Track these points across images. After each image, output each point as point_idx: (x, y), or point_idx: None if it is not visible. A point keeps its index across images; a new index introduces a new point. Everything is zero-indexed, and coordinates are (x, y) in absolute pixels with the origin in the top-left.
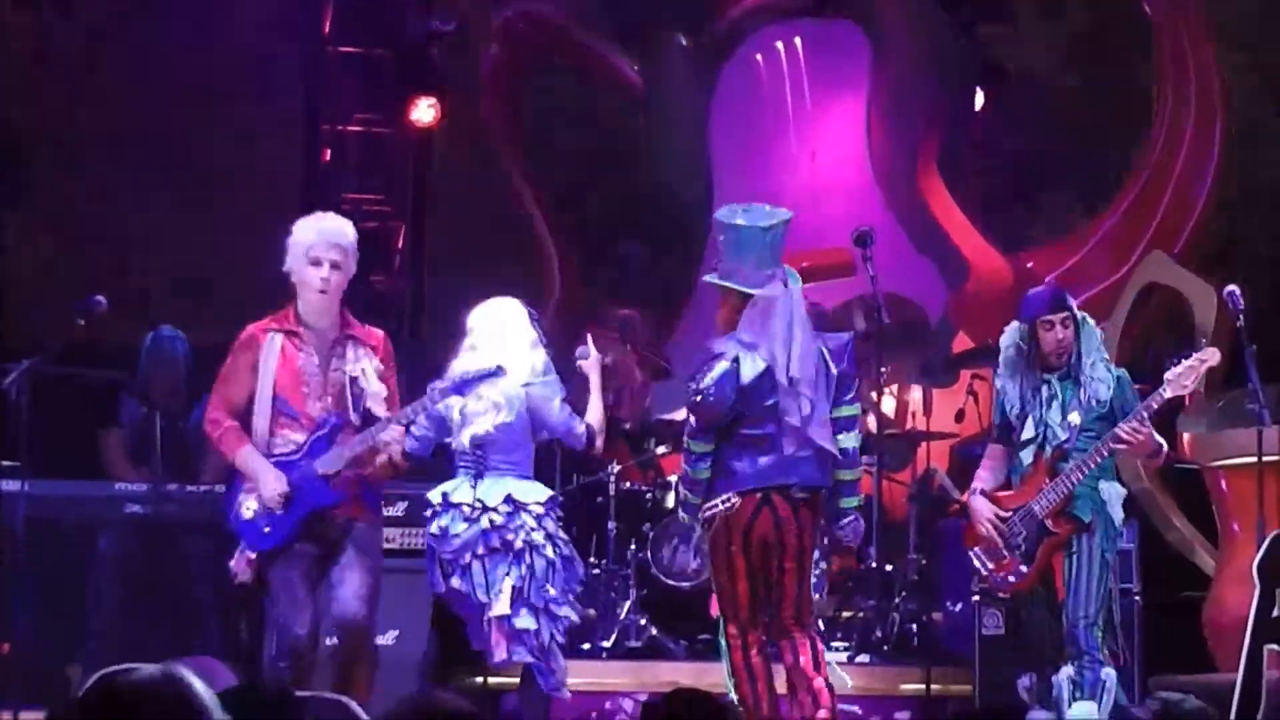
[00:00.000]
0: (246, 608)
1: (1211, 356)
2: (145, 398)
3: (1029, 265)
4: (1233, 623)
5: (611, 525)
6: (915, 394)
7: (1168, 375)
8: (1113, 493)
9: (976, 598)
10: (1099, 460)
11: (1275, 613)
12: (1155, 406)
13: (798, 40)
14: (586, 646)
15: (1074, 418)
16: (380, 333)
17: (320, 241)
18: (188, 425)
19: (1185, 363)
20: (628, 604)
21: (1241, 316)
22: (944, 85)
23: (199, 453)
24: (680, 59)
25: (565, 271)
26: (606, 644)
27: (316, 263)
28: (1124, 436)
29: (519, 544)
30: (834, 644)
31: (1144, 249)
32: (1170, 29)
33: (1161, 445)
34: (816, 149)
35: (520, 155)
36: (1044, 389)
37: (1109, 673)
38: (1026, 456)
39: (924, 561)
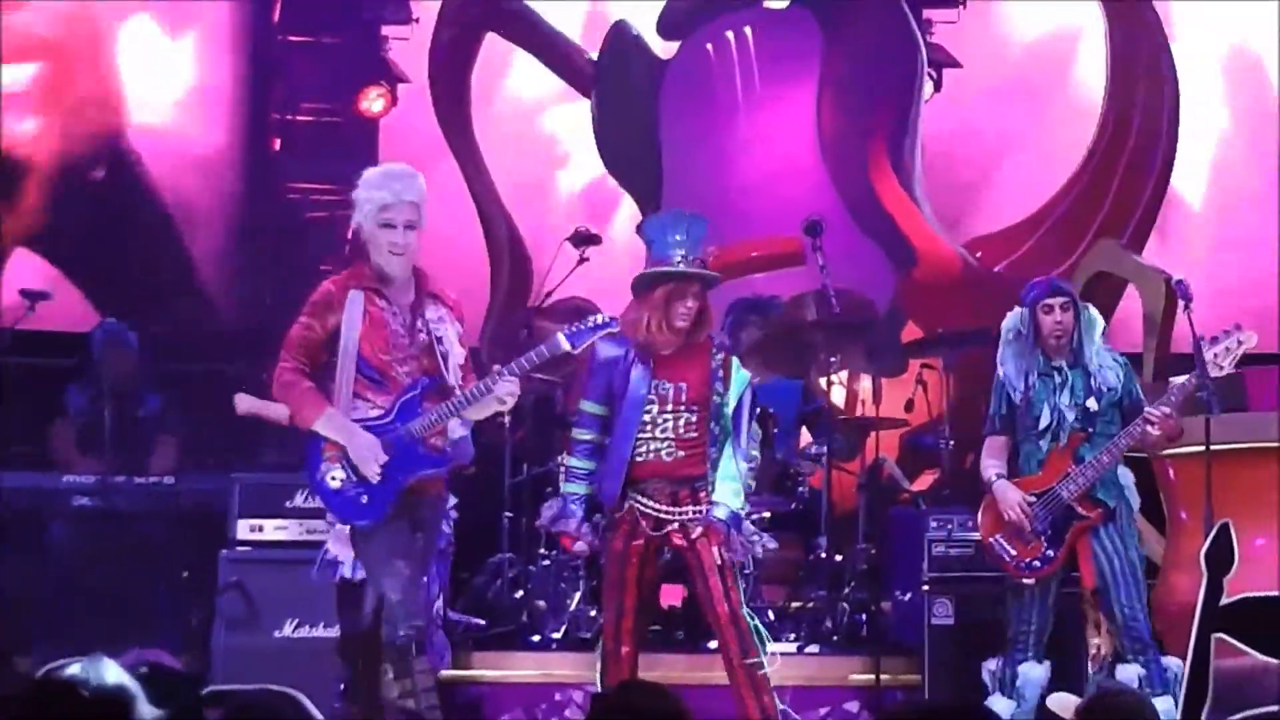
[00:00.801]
0: (197, 598)
1: (1249, 339)
2: (95, 388)
3: (978, 254)
4: (1180, 610)
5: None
6: (864, 383)
7: (1204, 355)
8: (1129, 478)
9: (926, 587)
10: (1127, 443)
11: (1223, 602)
12: (1190, 389)
13: (748, 29)
14: (536, 638)
15: (1091, 404)
16: (454, 295)
17: (395, 202)
18: (138, 415)
19: (1222, 343)
20: (577, 595)
21: (1189, 304)
22: (894, 73)
23: (149, 443)
24: (631, 47)
25: (516, 262)
26: (556, 635)
27: (389, 225)
28: (1154, 419)
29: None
30: (783, 635)
31: (1092, 236)
32: (1116, 7)
33: (1182, 429)
34: (767, 136)
35: (471, 144)
36: (1055, 375)
37: (1173, 661)
38: (1045, 444)
39: (873, 551)
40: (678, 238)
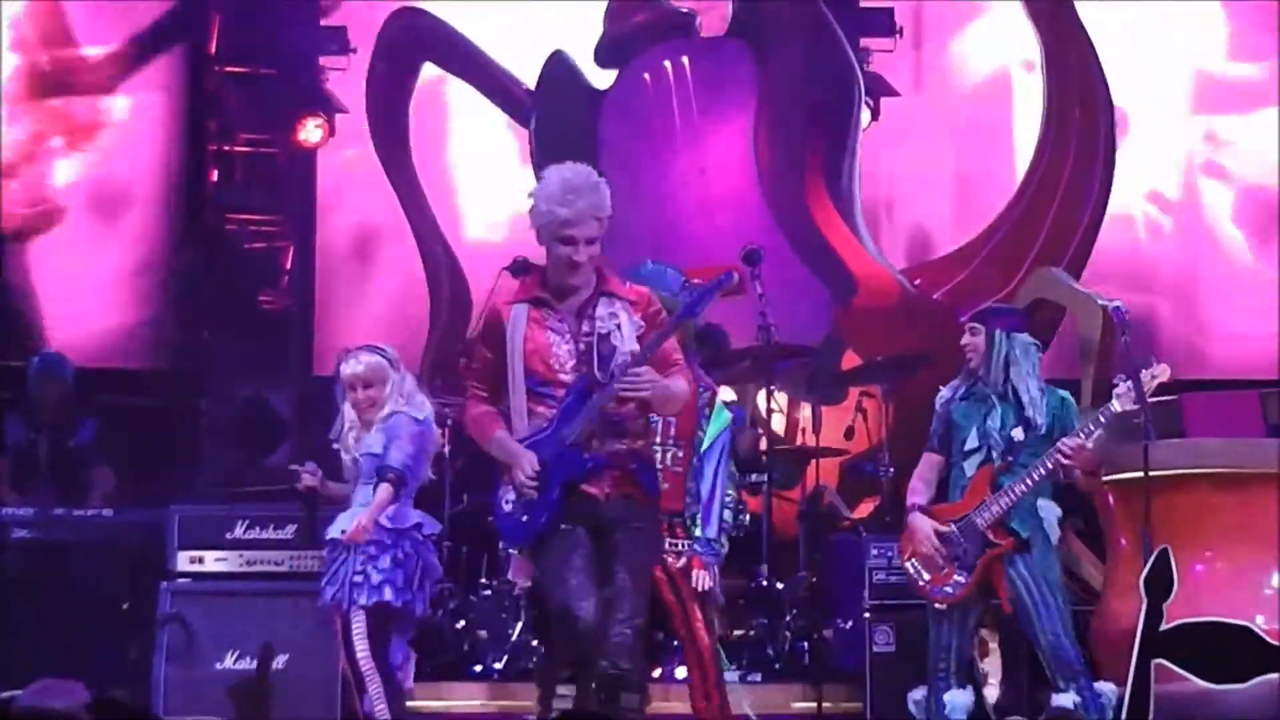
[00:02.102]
0: (135, 630)
1: (1162, 373)
2: (31, 420)
3: (917, 281)
4: (1120, 635)
5: (502, 546)
6: (804, 411)
7: (1116, 391)
8: (1050, 512)
9: (867, 614)
10: (1041, 475)
11: (1163, 627)
12: (1103, 421)
13: (685, 59)
14: (479, 668)
15: (1017, 433)
16: (645, 290)
17: (576, 219)
18: (72, 445)
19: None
20: (519, 625)
21: (1126, 331)
22: (832, 102)
23: (85, 474)
24: (568, 76)
25: (455, 291)
26: (498, 666)
27: (569, 241)
28: (1065, 451)
29: None
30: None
31: (1031, 263)
32: (1053, 38)
33: (1099, 460)
34: (705, 165)
35: (410, 174)
36: (986, 401)
37: (1107, 686)
38: (969, 467)
39: (814, 579)
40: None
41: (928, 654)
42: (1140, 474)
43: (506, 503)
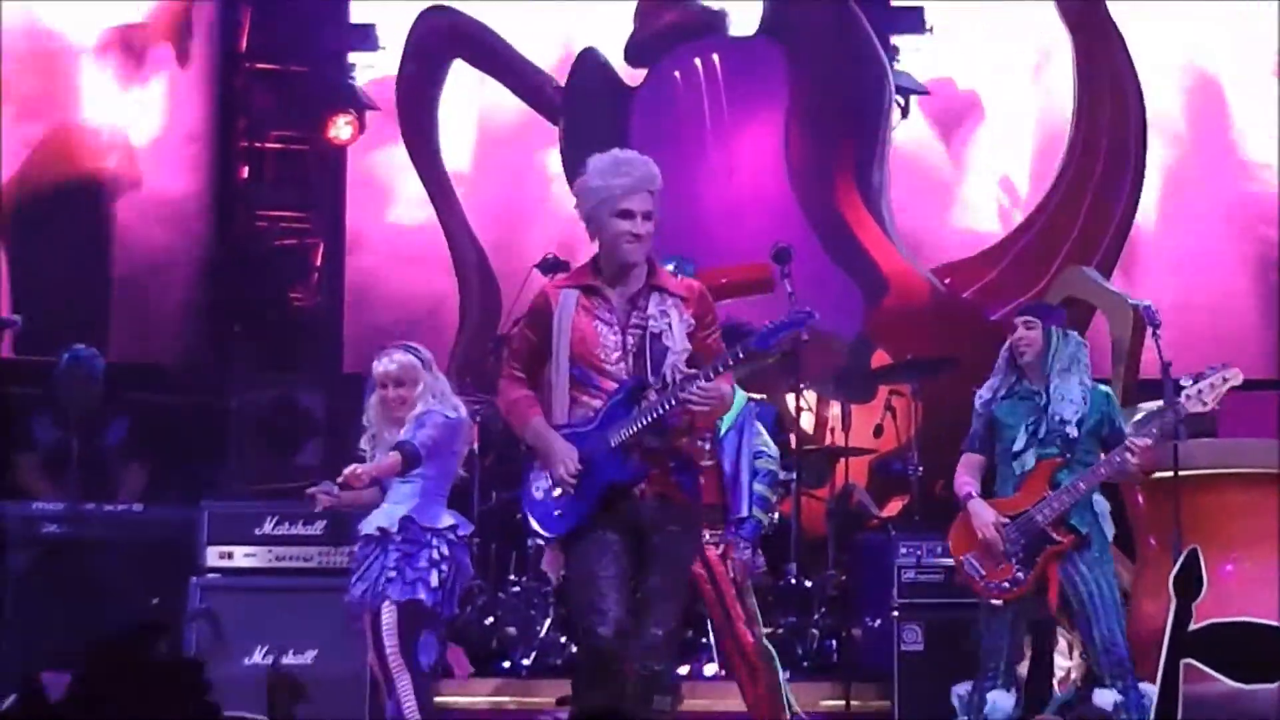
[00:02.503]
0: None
1: (1235, 376)
2: (62, 417)
3: (946, 281)
4: (1149, 635)
5: (531, 542)
6: (834, 410)
7: (1187, 391)
8: (1104, 506)
9: (896, 613)
10: (1105, 471)
11: (1192, 627)
12: (1170, 420)
13: (715, 57)
14: (506, 665)
15: (1070, 430)
16: (697, 284)
17: (635, 191)
18: (105, 443)
19: (1206, 379)
20: (547, 622)
21: (1157, 330)
22: (862, 100)
23: (116, 471)
24: (599, 74)
25: (485, 289)
26: (526, 662)
27: (627, 214)
28: (1136, 449)
29: None
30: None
31: (1061, 262)
32: (1084, 33)
33: (1159, 458)
34: (735, 164)
35: (439, 171)
36: (1033, 399)
37: (1149, 688)
38: (1019, 467)
39: (843, 577)
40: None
41: (977, 650)
42: (1170, 473)
43: (539, 490)
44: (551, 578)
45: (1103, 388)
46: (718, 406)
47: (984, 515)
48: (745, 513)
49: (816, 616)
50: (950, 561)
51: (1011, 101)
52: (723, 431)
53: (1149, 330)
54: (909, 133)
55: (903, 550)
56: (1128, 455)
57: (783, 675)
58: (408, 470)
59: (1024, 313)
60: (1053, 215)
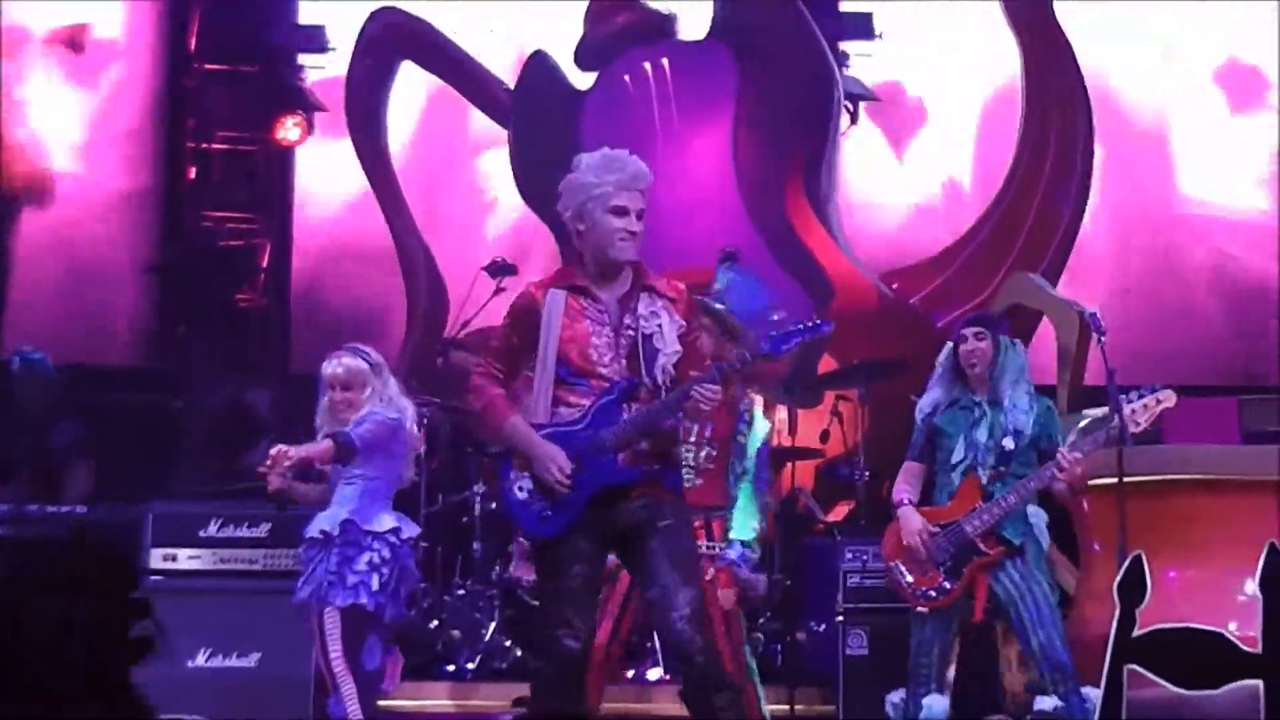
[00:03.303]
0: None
1: (1168, 399)
2: (10, 419)
3: (894, 286)
4: (1093, 641)
5: (477, 546)
6: (780, 414)
7: (1132, 406)
8: (1040, 518)
9: (841, 617)
10: (1035, 486)
11: (1136, 633)
12: (1101, 441)
13: (665, 61)
14: (452, 668)
15: (1007, 442)
16: (682, 285)
17: (626, 184)
18: (55, 446)
19: (1140, 400)
20: (492, 625)
21: (1102, 337)
22: (811, 105)
23: (65, 473)
24: (548, 77)
25: (433, 292)
26: (471, 666)
27: (620, 211)
28: (1064, 466)
29: None
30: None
31: (1008, 269)
32: (1031, 39)
33: (1086, 478)
34: (684, 168)
35: (388, 173)
36: (974, 410)
37: (1093, 691)
38: (956, 477)
39: (788, 582)
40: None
41: (908, 657)
42: (1115, 479)
43: (521, 490)
44: (524, 580)
45: (1044, 399)
46: (714, 409)
47: (912, 523)
48: (743, 534)
49: (761, 621)
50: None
51: (959, 107)
52: (754, 449)
53: (1094, 337)
54: (858, 138)
55: (848, 555)
56: (1056, 472)
57: (760, 690)
58: (343, 460)
59: (972, 323)
60: (1000, 221)
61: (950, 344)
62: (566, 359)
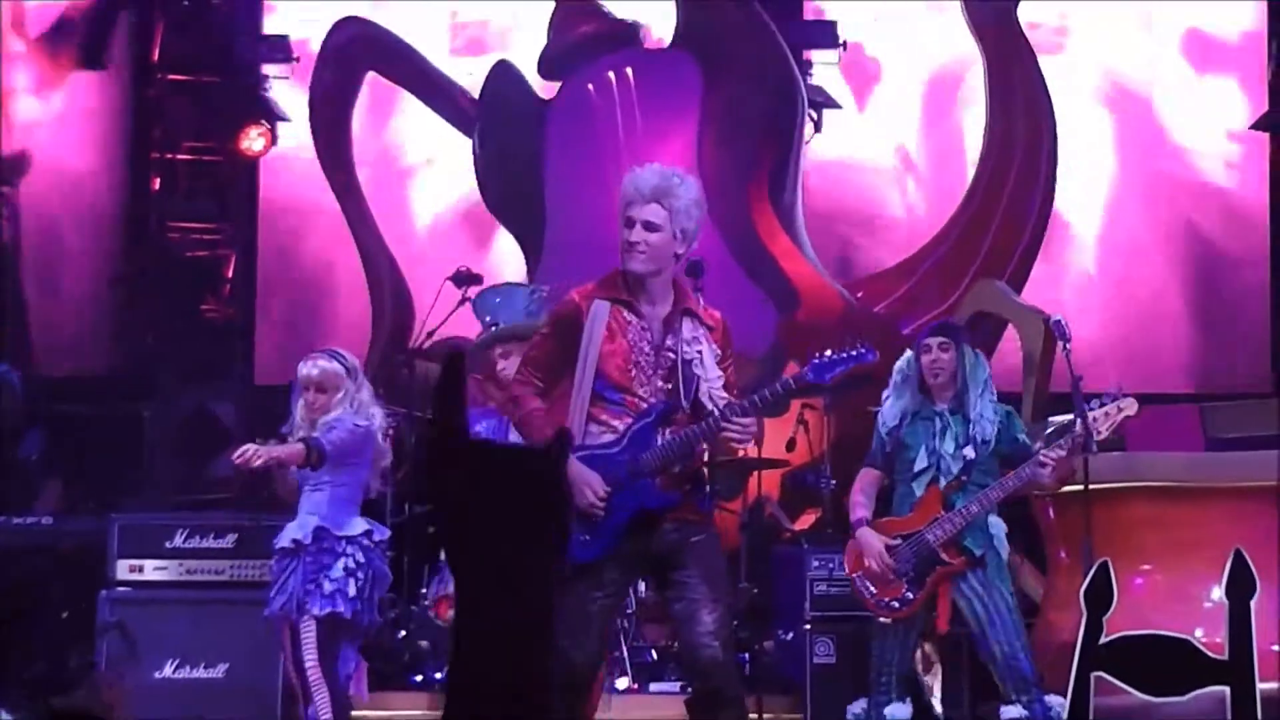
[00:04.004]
0: (76, 639)
1: (1130, 406)
2: None
3: (859, 294)
4: (1059, 647)
5: (443, 556)
6: None
7: (1094, 415)
8: (999, 528)
9: (808, 626)
10: (1001, 494)
11: (1102, 640)
12: (1065, 449)
13: (629, 69)
14: (419, 678)
15: (968, 452)
16: (719, 314)
17: (635, 199)
18: (21, 456)
19: (1102, 409)
20: None
21: (1067, 344)
22: (775, 114)
23: (33, 484)
24: (512, 86)
25: (398, 302)
26: (439, 675)
27: (629, 223)
28: (1049, 461)
29: None
30: (666, 674)
31: (973, 276)
32: (994, 47)
33: (1073, 471)
34: None
35: (353, 182)
36: (936, 420)
37: (1056, 699)
38: (919, 487)
39: (755, 590)
40: None
41: (869, 666)
42: (1080, 487)
43: None
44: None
45: (1004, 406)
46: (752, 438)
47: (872, 545)
48: None
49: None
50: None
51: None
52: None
53: (1059, 344)
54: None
55: (815, 563)
56: (1039, 469)
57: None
58: (313, 465)
59: (936, 333)
60: (965, 229)
61: (909, 353)
62: (605, 374)
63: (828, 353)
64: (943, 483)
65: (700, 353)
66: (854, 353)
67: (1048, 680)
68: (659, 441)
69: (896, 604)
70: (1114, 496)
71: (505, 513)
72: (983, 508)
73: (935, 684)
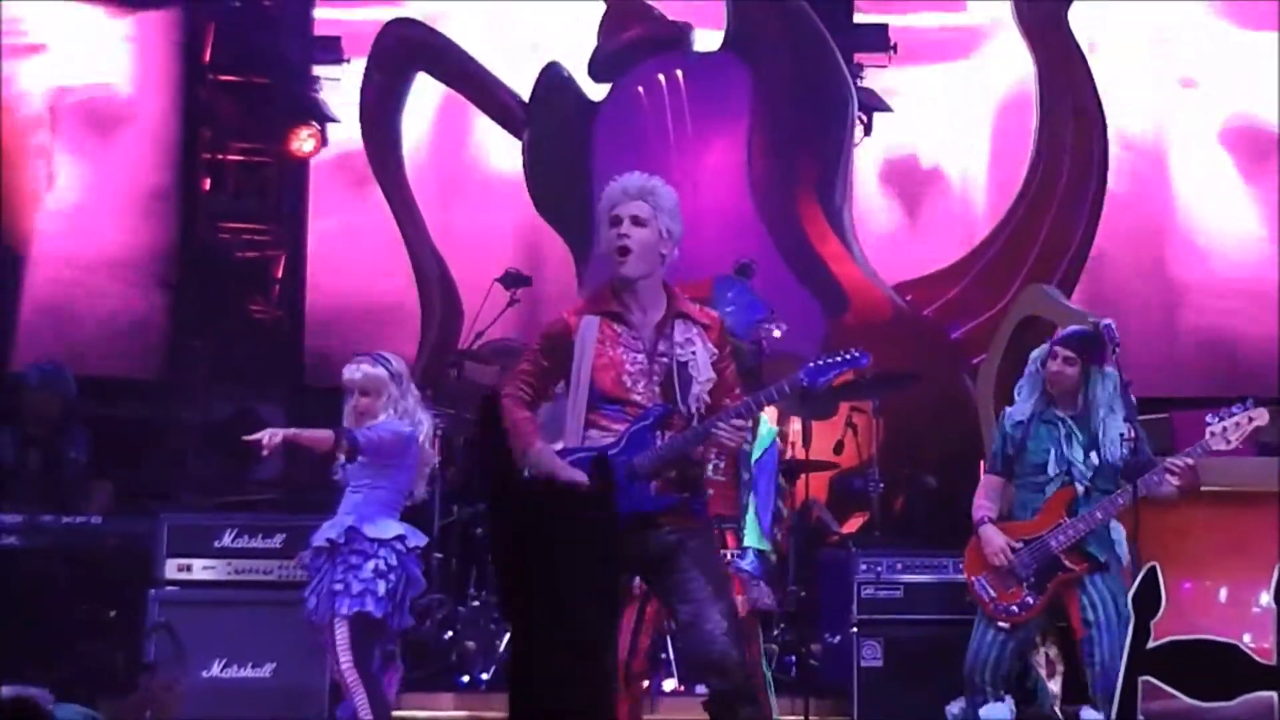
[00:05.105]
0: (124, 638)
1: (1260, 417)
2: (22, 431)
3: (908, 297)
4: None
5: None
6: (794, 426)
7: (1211, 429)
8: (1121, 533)
9: (855, 629)
10: (1125, 500)
11: (1150, 644)
12: (1193, 460)
13: (679, 72)
14: (466, 679)
15: (1094, 458)
16: (715, 313)
17: (621, 199)
18: (68, 458)
19: (1232, 418)
20: (506, 636)
21: (1117, 349)
22: (825, 117)
23: (81, 485)
24: (562, 88)
25: (447, 303)
26: (485, 676)
27: (615, 222)
28: (1177, 469)
29: None
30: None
31: (1023, 280)
32: (1047, 56)
33: (1199, 480)
34: (698, 178)
35: (402, 184)
36: (1059, 426)
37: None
38: (1046, 492)
39: (802, 593)
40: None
41: (964, 665)
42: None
43: None
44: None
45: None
46: (744, 440)
47: (995, 541)
48: (757, 543)
49: (776, 633)
50: (910, 578)
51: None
52: (756, 457)
53: (1109, 348)
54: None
55: (862, 566)
56: (1168, 476)
57: (774, 702)
58: (347, 456)
59: (1065, 344)
60: (1015, 232)
61: (1041, 351)
62: (599, 385)
63: (822, 359)
64: (1078, 487)
65: (694, 353)
66: (847, 357)
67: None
68: (656, 444)
69: (1016, 608)
70: (1162, 501)
71: (560, 556)
72: (1107, 514)
73: (1057, 687)
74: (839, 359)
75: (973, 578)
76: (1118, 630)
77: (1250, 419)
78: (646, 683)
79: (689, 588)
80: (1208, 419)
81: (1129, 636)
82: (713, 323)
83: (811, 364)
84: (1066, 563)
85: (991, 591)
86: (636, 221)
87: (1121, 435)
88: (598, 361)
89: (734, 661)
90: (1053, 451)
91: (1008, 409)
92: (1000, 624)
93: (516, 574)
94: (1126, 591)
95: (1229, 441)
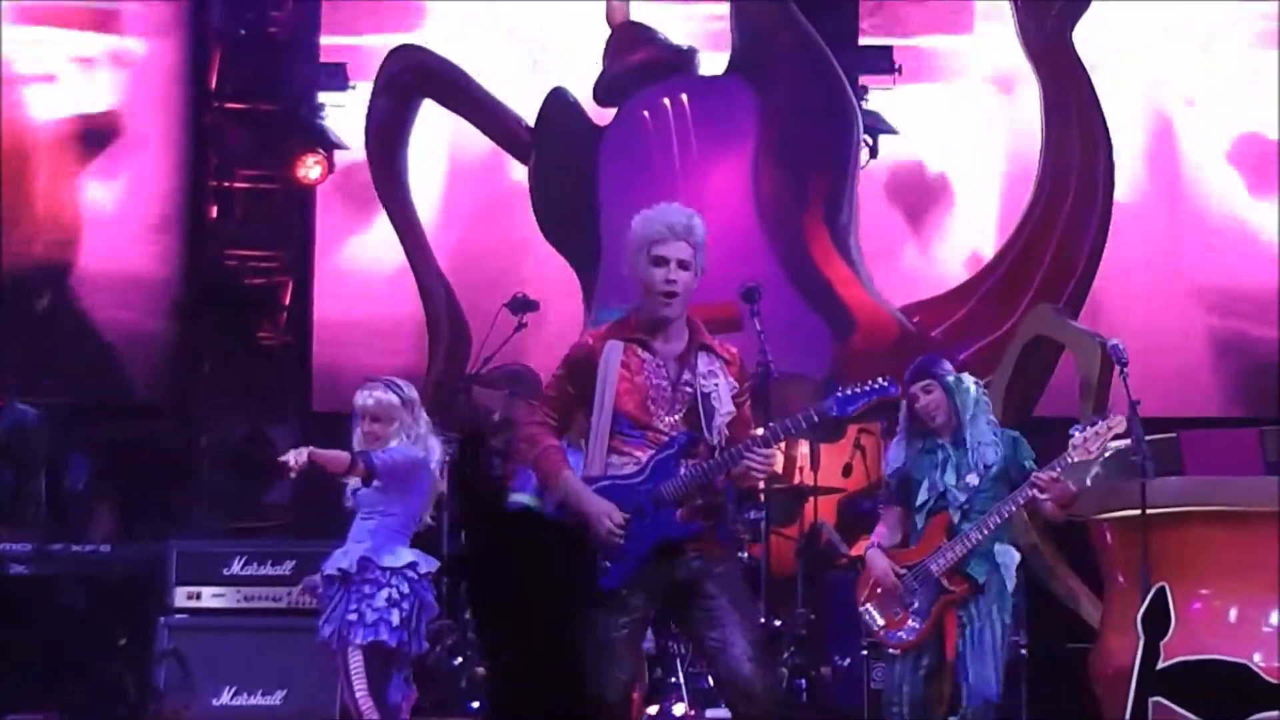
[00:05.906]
0: (134, 666)
1: (1118, 424)
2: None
3: (915, 319)
4: (1117, 673)
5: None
6: (803, 448)
7: (1074, 440)
8: (1008, 556)
9: (865, 651)
10: (1002, 519)
11: (1160, 665)
12: (1058, 471)
13: (684, 96)
14: (475, 705)
15: (971, 479)
16: (735, 349)
17: (668, 237)
18: (69, 486)
19: (1091, 429)
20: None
21: (1124, 368)
22: (831, 140)
23: (86, 513)
24: (568, 113)
25: (454, 329)
26: None
27: (660, 261)
28: (1042, 483)
29: None
30: (722, 700)
31: (1030, 301)
32: (1049, 70)
33: (1075, 494)
34: (705, 202)
35: (408, 211)
36: (937, 453)
37: None
38: (921, 520)
39: (812, 616)
40: None
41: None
42: (1138, 511)
43: None
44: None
45: (1010, 431)
46: (771, 469)
47: (879, 564)
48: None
49: (786, 655)
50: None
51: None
52: None
53: (1116, 369)
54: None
55: None
56: (1034, 491)
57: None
58: (363, 478)
59: (915, 379)
60: (1021, 253)
61: (905, 404)
62: (623, 411)
63: (850, 388)
64: (952, 512)
65: (717, 385)
66: (876, 385)
67: (1106, 705)
68: (681, 472)
69: (903, 634)
70: (1171, 521)
71: (530, 583)
72: (983, 534)
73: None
74: (868, 388)
75: (861, 607)
76: (992, 651)
77: (1109, 427)
78: (656, 709)
79: (716, 615)
80: (1071, 431)
81: (1002, 657)
82: (733, 358)
83: (840, 393)
84: (946, 584)
85: (880, 620)
86: (682, 265)
87: (991, 441)
88: (621, 387)
89: (765, 689)
90: (927, 479)
91: (886, 455)
92: (890, 651)
93: (491, 600)
94: (1007, 613)
95: (1090, 451)
